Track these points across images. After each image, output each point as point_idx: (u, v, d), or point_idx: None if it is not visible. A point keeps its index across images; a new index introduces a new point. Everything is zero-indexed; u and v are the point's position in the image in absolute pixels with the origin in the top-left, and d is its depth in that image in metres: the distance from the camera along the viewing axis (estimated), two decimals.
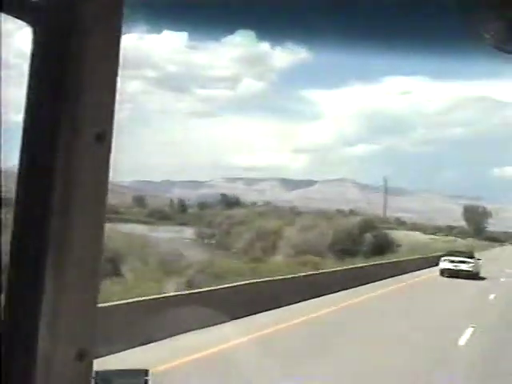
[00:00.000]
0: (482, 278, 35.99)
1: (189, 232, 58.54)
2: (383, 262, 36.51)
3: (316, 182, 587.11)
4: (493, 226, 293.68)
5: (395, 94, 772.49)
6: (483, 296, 27.44)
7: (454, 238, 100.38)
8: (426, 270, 40.18)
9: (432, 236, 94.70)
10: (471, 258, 37.88)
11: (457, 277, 34.57)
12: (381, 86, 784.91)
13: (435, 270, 38.50)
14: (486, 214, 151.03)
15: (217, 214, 60.55)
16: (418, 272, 37.93)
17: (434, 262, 44.64)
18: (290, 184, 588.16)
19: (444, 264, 37.12)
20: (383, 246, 47.72)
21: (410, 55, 3.16)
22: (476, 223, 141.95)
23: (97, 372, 1.83)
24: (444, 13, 2.08)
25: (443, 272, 36.34)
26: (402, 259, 40.73)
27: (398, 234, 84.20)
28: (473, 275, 35.23)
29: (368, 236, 48.28)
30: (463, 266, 35.91)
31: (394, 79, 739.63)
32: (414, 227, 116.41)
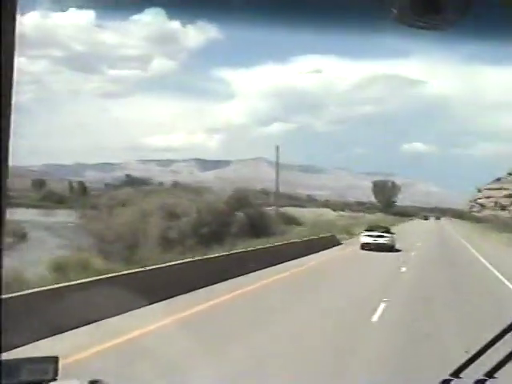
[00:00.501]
0: (398, 250, 39.30)
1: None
2: (249, 248, 26.60)
3: (231, 161, 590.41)
4: (403, 200, 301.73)
5: (307, 73, 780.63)
6: (396, 269, 27.78)
7: (362, 213, 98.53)
8: (314, 255, 32.30)
9: (341, 213, 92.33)
10: (388, 232, 41.27)
11: (370, 250, 37.63)
12: (293, 64, 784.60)
13: (327, 257, 33.46)
14: (395, 188, 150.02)
15: (100, 195, 55.37)
16: (294, 262, 28.06)
17: (332, 243, 40.89)
18: (205, 164, 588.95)
19: (364, 238, 39.96)
20: (259, 227, 38.65)
21: (321, 34, 3.20)
22: (385, 198, 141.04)
23: (0, 361, 1.87)
24: None
25: (364, 246, 38.96)
26: (283, 243, 31.69)
27: (304, 212, 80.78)
28: (389, 248, 38.40)
29: (240, 215, 39.36)
30: (381, 240, 39.00)
31: (306, 58, 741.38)
32: (325, 204, 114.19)
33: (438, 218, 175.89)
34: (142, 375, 9.35)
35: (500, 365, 2.12)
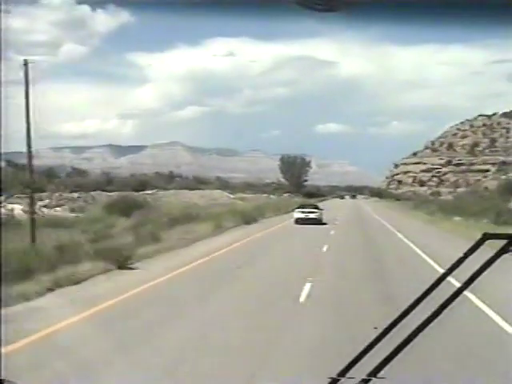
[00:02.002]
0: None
1: None
2: None
3: (146, 146, 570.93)
4: (319, 180, 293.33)
5: (220, 56, 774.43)
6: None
7: (266, 195, 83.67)
8: None
9: (242, 195, 77.06)
10: (317, 208, 46.52)
11: (303, 224, 41.21)
12: (206, 48, 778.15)
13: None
14: (304, 164, 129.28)
15: None
16: None
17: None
18: (119, 150, 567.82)
19: (297, 214, 44.38)
20: None
21: (233, 17, 3.10)
22: (294, 177, 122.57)
23: None
24: None
25: (297, 221, 43.10)
26: None
27: (195, 196, 65.96)
28: (318, 221, 43.19)
29: None
30: (311, 215, 43.92)
31: (219, 41, 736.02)
32: (225, 186, 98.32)
33: (353, 197, 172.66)
34: None
35: (384, 363, 2.10)
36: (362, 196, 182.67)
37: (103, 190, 63.77)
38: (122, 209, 34.98)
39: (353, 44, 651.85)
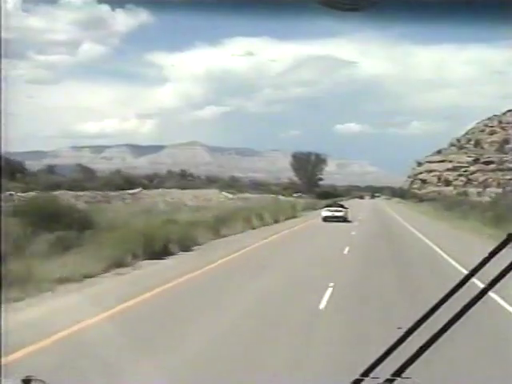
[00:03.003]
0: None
1: None
2: None
3: (165, 146, 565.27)
4: (338, 180, 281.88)
5: (240, 56, 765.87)
6: None
7: (274, 195, 72.52)
8: None
9: (245, 195, 66.22)
10: (343, 207, 48.88)
11: (332, 221, 44.12)
12: (225, 47, 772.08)
13: None
14: (319, 162, 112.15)
15: None
16: None
17: None
18: (138, 150, 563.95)
19: (325, 213, 46.93)
20: None
21: (252, 16, 3.08)
22: (308, 175, 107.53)
23: None
24: None
25: (325, 218, 45.62)
26: None
27: (184, 196, 55.71)
28: (344, 219, 45.61)
29: None
30: (338, 214, 46.28)
31: (238, 40, 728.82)
32: (231, 185, 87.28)
33: (373, 197, 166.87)
34: None
35: (408, 363, 2.07)
36: (384, 196, 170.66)
37: (81, 189, 53.33)
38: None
39: (373, 43, 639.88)
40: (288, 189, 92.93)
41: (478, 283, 2.09)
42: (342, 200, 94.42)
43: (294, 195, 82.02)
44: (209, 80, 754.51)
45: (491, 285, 2.02)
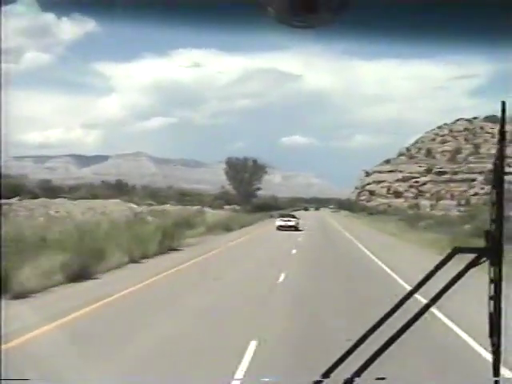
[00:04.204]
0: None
1: None
2: None
3: (110, 157, 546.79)
4: (283, 192, 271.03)
5: (187, 67, 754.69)
6: None
7: (199, 207, 58.43)
8: None
9: (161, 207, 52.27)
10: (294, 217, 52.60)
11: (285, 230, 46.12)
12: (173, 58, 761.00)
13: None
14: (257, 169, 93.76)
15: None
16: None
17: None
18: (82, 160, 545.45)
19: (279, 222, 50.17)
20: None
21: (199, 28, 3.07)
22: (244, 184, 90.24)
23: None
24: None
25: (279, 227, 48.43)
26: None
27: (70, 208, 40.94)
28: (295, 228, 48.52)
29: None
30: (290, 223, 49.48)
31: (185, 52, 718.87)
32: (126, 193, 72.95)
33: (317, 209, 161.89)
34: None
35: (367, 364, 2.15)
36: (330, 209, 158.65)
37: None
38: None
39: (317, 57, 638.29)
40: (220, 199, 78.35)
41: (421, 298, 2.12)
42: (279, 212, 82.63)
43: (225, 207, 67.92)
44: (156, 91, 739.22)
45: (434, 299, 2.02)
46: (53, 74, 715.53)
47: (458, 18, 2.48)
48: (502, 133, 2.00)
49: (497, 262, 1.98)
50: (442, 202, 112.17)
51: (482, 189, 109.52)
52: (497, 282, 1.98)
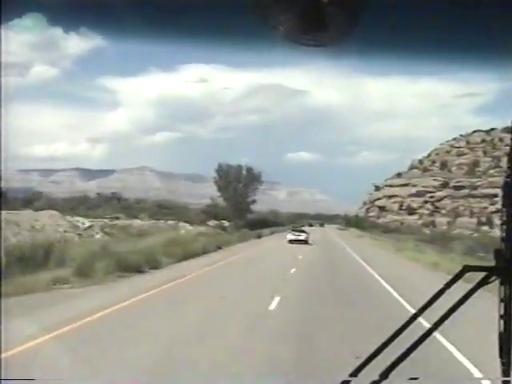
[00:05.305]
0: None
1: None
2: None
3: (115, 171, 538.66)
4: (286, 208, 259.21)
5: (193, 82, 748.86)
6: None
7: (182, 224, 46.17)
8: None
9: (128, 222, 40.18)
10: (304, 232, 55.12)
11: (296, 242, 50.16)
12: (179, 73, 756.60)
13: None
14: (252, 179, 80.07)
15: None
16: None
17: None
18: (88, 174, 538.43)
19: (290, 236, 52.73)
20: None
21: (206, 44, 3.12)
22: (237, 197, 76.84)
23: None
24: (237, 3, 2.17)
25: (291, 241, 50.90)
26: None
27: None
28: (305, 241, 50.94)
29: None
30: (301, 237, 52.11)
31: (192, 67, 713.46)
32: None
33: (321, 225, 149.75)
34: None
35: (393, 365, 2.10)
36: (335, 225, 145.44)
37: None
38: None
39: (325, 74, 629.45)
40: (208, 213, 65.93)
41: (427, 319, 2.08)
42: (275, 232, 71.72)
43: (210, 223, 55.47)
44: (162, 106, 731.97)
45: (443, 318, 2.00)
46: (59, 88, 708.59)
47: (464, 37, 2.54)
48: None
49: (507, 281, 1.96)
50: (460, 219, 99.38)
51: None
52: (507, 301, 1.96)
